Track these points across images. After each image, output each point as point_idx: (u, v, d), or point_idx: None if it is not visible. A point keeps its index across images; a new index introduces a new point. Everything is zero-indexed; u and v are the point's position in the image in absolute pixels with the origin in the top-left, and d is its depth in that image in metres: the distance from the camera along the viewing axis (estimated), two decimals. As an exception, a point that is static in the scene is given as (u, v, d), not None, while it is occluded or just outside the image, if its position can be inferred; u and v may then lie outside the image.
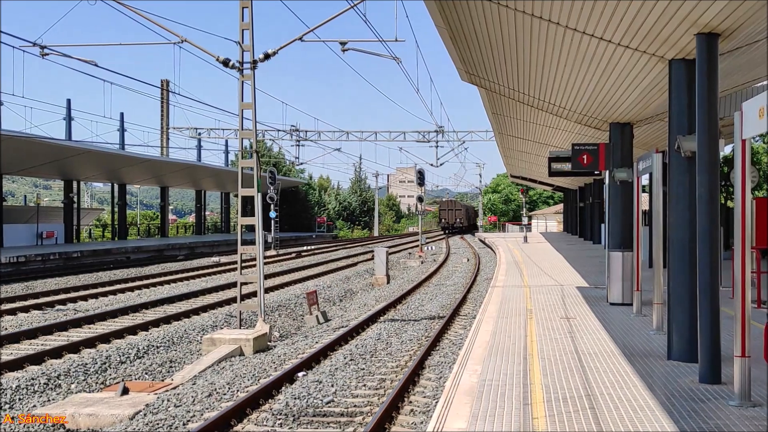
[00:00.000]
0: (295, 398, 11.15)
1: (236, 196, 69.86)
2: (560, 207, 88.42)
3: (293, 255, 46.34)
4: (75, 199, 51.07)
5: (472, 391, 8.82)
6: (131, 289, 26.84)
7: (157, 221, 76.88)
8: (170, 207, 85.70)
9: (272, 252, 46.14)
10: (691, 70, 9.91)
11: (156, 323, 18.97)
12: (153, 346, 16.10)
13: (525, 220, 63.44)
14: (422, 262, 40.89)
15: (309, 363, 13.81)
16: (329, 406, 10.84)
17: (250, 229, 51.68)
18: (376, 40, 20.21)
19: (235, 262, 37.63)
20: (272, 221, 46.70)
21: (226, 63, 17.58)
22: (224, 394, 11.80)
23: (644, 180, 16.76)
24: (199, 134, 62.92)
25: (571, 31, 10.98)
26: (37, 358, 14.52)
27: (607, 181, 17.47)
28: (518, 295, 18.81)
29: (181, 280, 30.67)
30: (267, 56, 17.73)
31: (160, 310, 21.73)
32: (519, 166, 49.32)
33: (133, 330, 17.95)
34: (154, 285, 28.46)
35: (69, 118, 48.11)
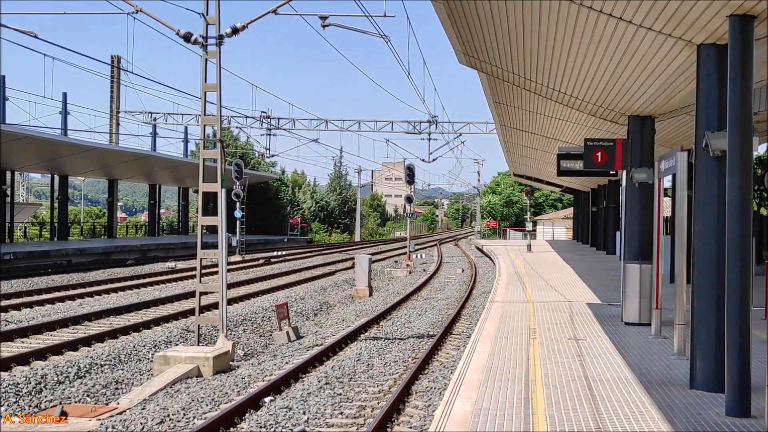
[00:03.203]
0: (260, 427, 11.26)
1: (197, 192, 69.72)
2: (569, 211, 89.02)
3: (261, 261, 46.51)
4: (8, 192, 50.72)
5: (465, 422, 8.90)
6: (72, 298, 26.88)
7: (103, 219, 76.63)
8: (119, 203, 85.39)
9: (237, 257, 46.16)
10: (723, 57, 10.02)
11: (100, 338, 19.03)
12: (96, 364, 16.06)
13: (529, 226, 63.68)
14: (410, 272, 41.13)
15: (277, 386, 13.89)
16: None
17: (212, 230, 51.91)
18: (362, 15, 20.27)
19: (194, 269, 37.78)
20: (237, 222, 46.71)
21: (187, 38, 17.61)
22: (178, 421, 11.87)
23: (666, 182, 16.94)
24: (155, 119, 62.86)
25: (587, 10, 11.16)
26: (-39, 376, 14.36)
27: (624, 182, 17.62)
28: (520, 312, 18.96)
29: (130, 288, 30.79)
30: (235, 31, 17.80)
31: (106, 322, 21.81)
32: (523, 163, 49.70)
33: (73, 345, 17.97)
34: (98, 293, 28.47)
35: (3, 98, 47.71)
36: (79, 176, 65.61)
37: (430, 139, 63.18)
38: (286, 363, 16.30)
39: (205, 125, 18.54)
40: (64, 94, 54.85)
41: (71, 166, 54.47)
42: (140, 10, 18.30)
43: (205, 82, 17.73)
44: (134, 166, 57.15)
